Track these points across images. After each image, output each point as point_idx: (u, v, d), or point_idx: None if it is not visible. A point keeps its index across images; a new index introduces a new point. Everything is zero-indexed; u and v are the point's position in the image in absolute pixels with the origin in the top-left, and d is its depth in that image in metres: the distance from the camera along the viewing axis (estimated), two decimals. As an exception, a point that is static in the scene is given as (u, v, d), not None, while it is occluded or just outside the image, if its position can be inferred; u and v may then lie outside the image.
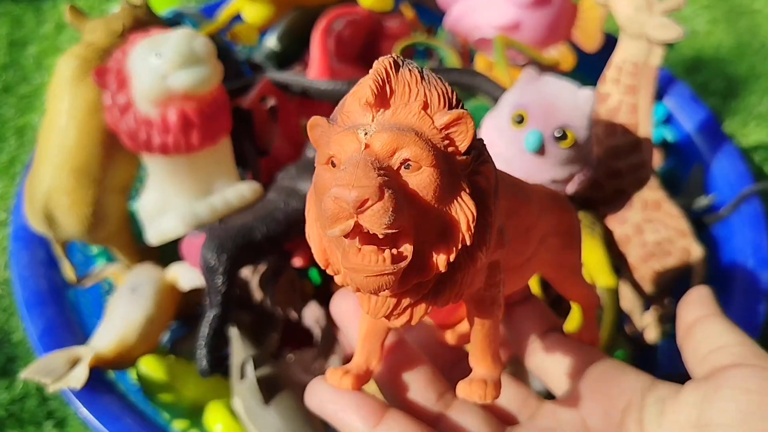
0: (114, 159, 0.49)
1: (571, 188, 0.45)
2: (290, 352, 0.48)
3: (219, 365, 0.43)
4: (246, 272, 0.49)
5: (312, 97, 0.54)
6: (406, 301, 0.21)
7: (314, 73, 0.56)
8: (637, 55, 0.49)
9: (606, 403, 0.27)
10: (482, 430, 0.26)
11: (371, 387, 0.29)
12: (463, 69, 0.55)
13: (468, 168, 0.20)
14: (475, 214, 0.20)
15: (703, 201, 0.59)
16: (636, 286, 0.52)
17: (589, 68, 0.60)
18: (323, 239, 0.21)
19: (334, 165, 0.19)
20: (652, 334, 0.52)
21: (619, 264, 0.51)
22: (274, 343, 0.48)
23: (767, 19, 1.00)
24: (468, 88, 0.54)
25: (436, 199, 0.19)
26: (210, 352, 0.42)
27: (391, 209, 0.18)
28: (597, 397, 0.27)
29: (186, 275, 0.49)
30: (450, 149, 0.20)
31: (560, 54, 0.61)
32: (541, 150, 0.42)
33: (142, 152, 0.46)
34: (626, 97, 0.50)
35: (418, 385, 0.27)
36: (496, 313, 0.24)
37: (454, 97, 0.21)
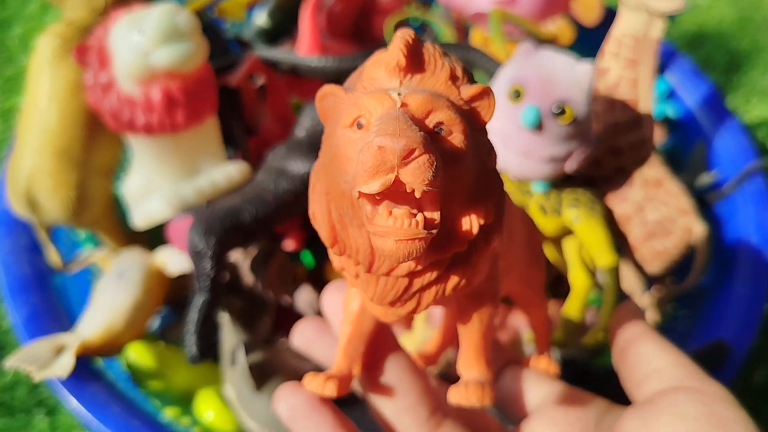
0: (97, 140, 0.48)
1: (570, 166, 0.43)
2: (283, 337, 0.47)
3: (209, 351, 0.42)
4: (237, 256, 0.48)
5: (302, 74, 0.52)
6: (418, 283, 0.20)
7: (304, 49, 0.54)
8: (637, 28, 0.47)
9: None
10: None
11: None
12: (458, 44, 0.54)
13: (486, 146, 0.20)
14: (501, 187, 0.19)
15: (705, 178, 0.58)
16: (637, 266, 0.51)
17: (588, 43, 0.59)
18: (332, 215, 0.20)
19: (360, 126, 0.18)
20: (653, 315, 0.51)
21: (620, 243, 0.50)
22: (266, 328, 0.47)
23: (770, -8, 0.98)
24: (464, 64, 0.53)
25: (465, 166, 0.19)
26: (199, 338, 0.41)
27: (435, 163, 0.17)
28: (553, 427, 0.27)
29: (175, 260, 0.48)
30: (474, 122, 0.20)
31: (558, 28, 0.60)
32: (539, 126, 0.41)
33: (125, 133, 0.45)
34: (626, 72, 0.48)
35: (409, 401, 0.26)
36: (494, 309, 0.23)
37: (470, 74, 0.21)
